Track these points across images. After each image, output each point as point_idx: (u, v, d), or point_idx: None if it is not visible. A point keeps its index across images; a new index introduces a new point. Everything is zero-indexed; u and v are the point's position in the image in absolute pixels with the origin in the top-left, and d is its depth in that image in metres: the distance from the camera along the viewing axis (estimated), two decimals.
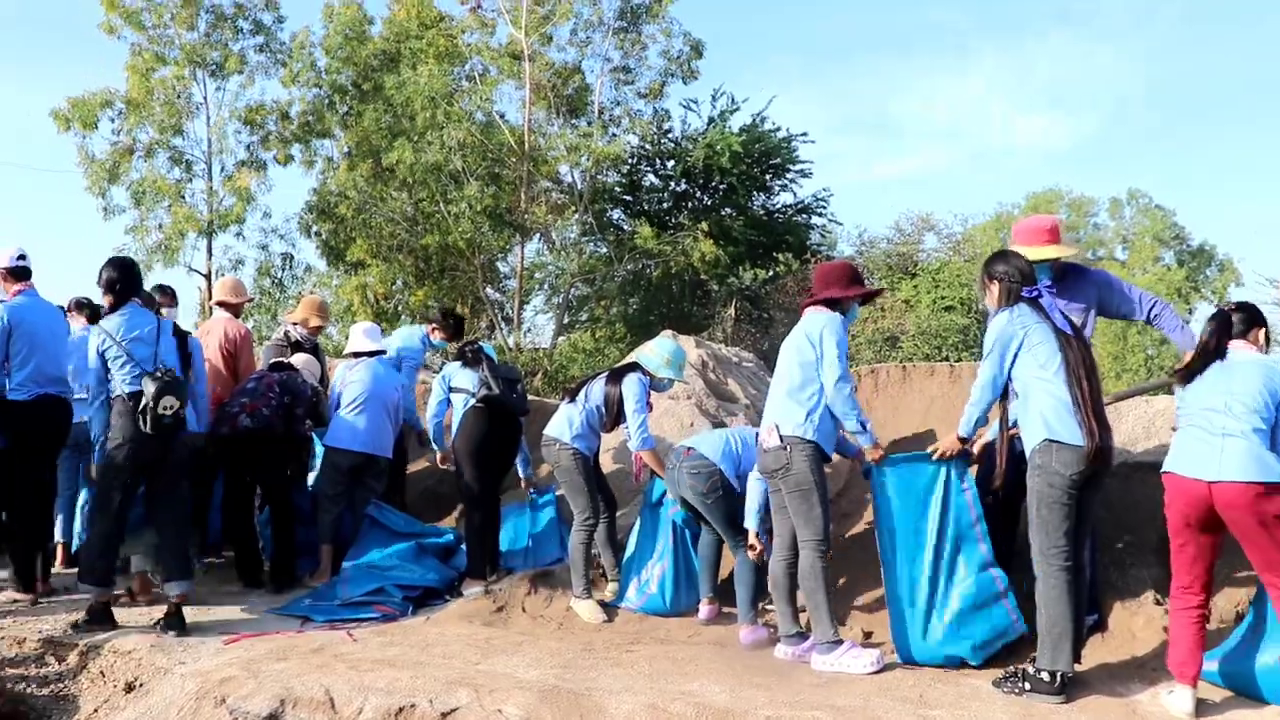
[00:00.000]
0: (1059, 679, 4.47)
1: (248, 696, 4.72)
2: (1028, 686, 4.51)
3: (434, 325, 8.28)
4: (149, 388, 5.74)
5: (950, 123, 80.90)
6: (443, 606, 6.34)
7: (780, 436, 5.16)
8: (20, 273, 6.71)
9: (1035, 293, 4.77)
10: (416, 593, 6.47)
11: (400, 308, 23.14)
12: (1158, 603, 5.09)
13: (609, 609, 6.12)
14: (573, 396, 6.40)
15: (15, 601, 6.52)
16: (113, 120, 22.00)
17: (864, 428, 5.15)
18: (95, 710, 5.15)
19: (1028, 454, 4.68)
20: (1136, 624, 5.07)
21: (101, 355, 5.93)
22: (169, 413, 5.75)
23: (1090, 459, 4.49)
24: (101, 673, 5.47)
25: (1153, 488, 5.30)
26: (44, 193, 61.79)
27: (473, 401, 6.83)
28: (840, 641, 5.06)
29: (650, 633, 5.74)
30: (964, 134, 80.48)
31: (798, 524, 5.20)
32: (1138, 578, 5.28)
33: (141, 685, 5.20)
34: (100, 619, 5.91)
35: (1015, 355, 4.71)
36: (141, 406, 5.75)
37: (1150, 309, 5.29)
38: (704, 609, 6.00)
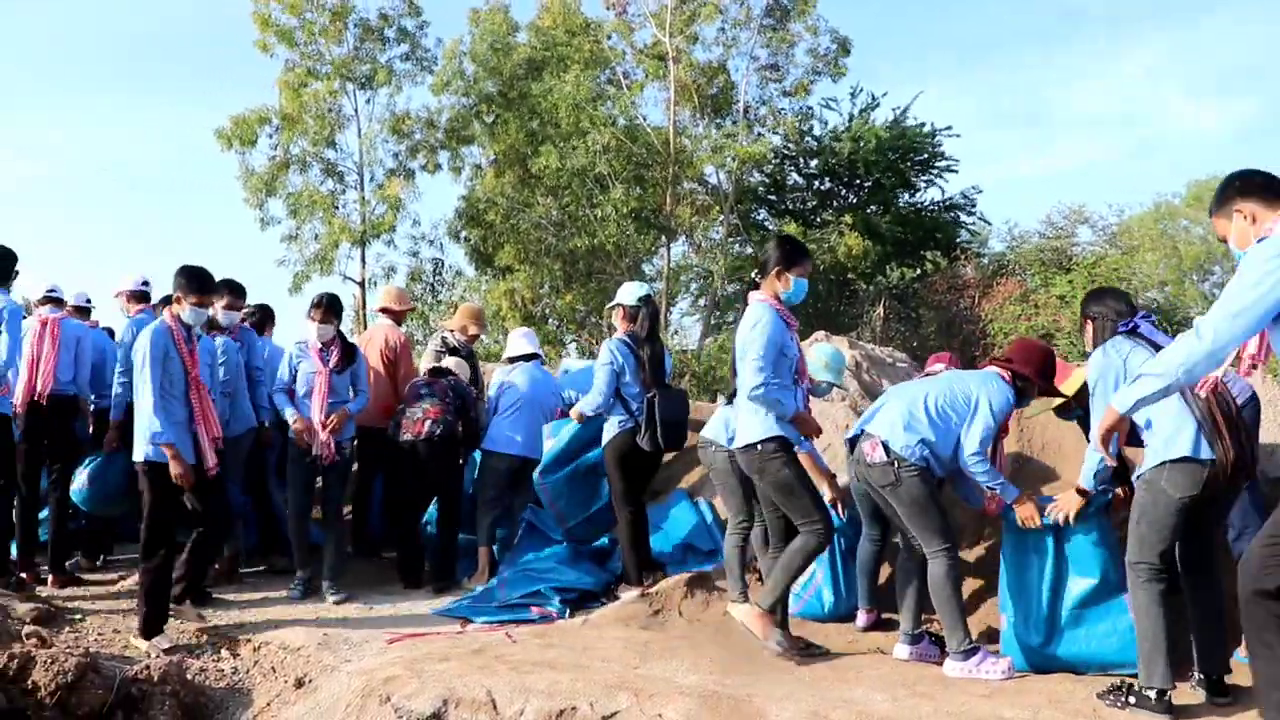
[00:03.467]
0: (1161, 696, 4.28)
1: (412, 695, 4.80)
2: (1132, 701, 4.33)
3: None
4: None
5: (1105, 114, 77.80)
6: (599, 609, 6.36)
7: (887, 451, 5.11)
8: (142, 296, 7.64)
9: (1130, 325, 4.63)
10: (573, 596, 6.51)
11: (548, 311, 23.43)
12: None
13: None
14: (731, 399, 6.33)
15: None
16: (270, 136, 22.74)
17: (1003, 488, 5.08)
18: (268, 704, 5.31)
19: (1141, 475, 4.53)
20: None
21: None
22: None
23: (1213, 479, 4.30)
24: (273, 668, 5.65)
25: None
26: (204, 208, 64.72)
27: (630, 424, 6.64)
28: (976, 649, 4.98)
29: (808, 638, 5.62)
30: (1120, 124, 77.11)
31: (920, 538, 5.14)
32: None
33: (310, 681, 5.36)
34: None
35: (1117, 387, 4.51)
36: None
37: None
38: (862, 616, 5.88)
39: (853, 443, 5.54)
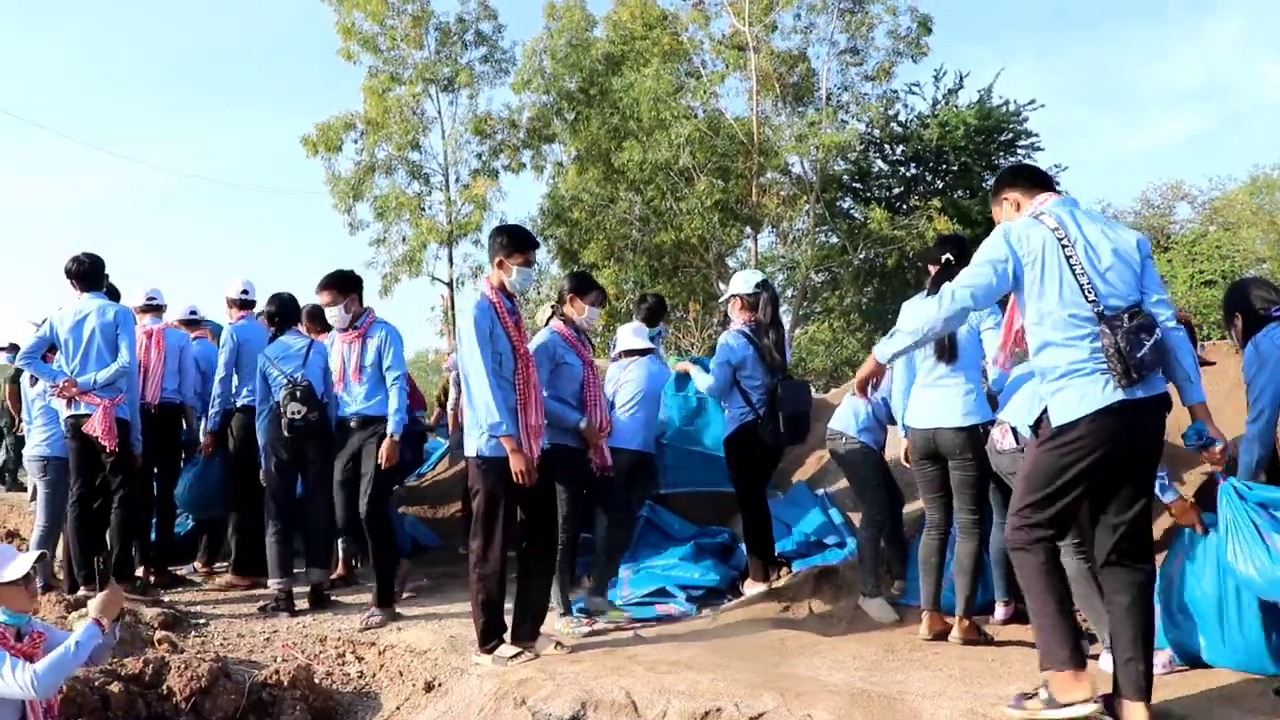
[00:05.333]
0: None
1: (548, 698, 4.69)
2: None
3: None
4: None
5: (1194, 87, 75.54)
6: (726, 606, 6.22)
7: (1017, 438, 4.92)
8: (244, 303, 7.74)
9: None
10: (699, 593, 6.37)
11: (630, 307, 23.31)
12: None
13: (899, 607, 5.83)
14: None
15: (232, 585, 7.46)
16: (355, 141, 23.03)
17: (1160, 487, 4.79)
18: (398, 708, 5.26)
19: None
20: None
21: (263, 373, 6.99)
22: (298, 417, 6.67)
23: None
24: (400, 672, 5.61)
25: None
26: (293, 214, 65.99)
27: (751, 416, 6.39)
28: None
29: (944, 632, 5.35)
30: (1211, 97, 75.03)
31: None
32: None
33: (440, 685, 5.28)
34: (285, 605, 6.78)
35: None
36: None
37: None
38: (1000, 610, 5.63)
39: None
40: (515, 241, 5.40)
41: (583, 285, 6.12)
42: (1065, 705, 3.74)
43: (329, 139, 22.50)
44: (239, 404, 7.43)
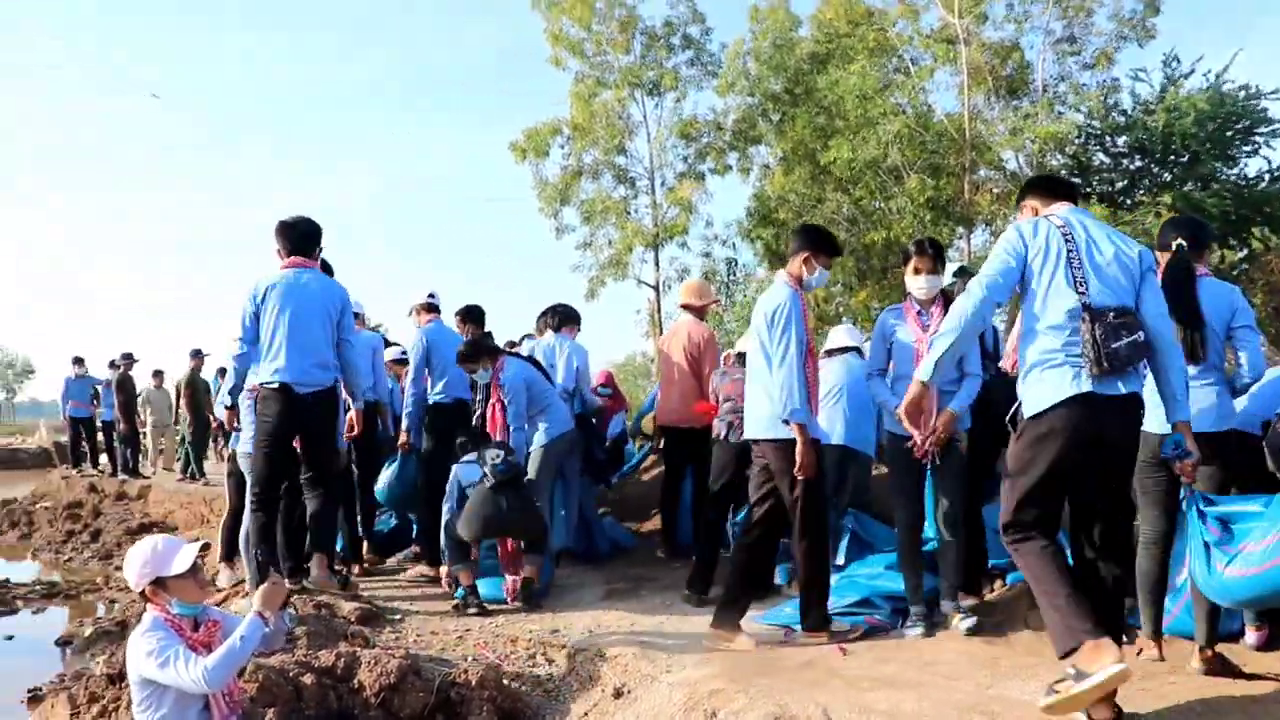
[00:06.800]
0: None
1: (740, 712, 4.46)
2: None
3: None
4: None
5: None
6: (934, 620, 5.83)
7: None
8: (431, 308, 8.23)
9: None
10: (905, 605, 5.99)
11: (841, 310, 22.84)
12: None
13: (1126, 629, 5.29)
14: None
15: (423, 575, 7.83)
16: (562, 146, 23.26)
17: None
18: (585, 714, 5.16)
19: None
20: None
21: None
22: None
23: None
24: (590, 676, 5.48)
25: None
26: (498, 220, 68.14)
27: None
28: None
29: (1186, 659, 4.81)
30: None
31: None
32: None
33: (629, 692, 5.14)
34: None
35: None
36: None
37: None
38: (1251, 634, 5.04)
39: None
40: (829, 245, 5.76)
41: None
42: (1095, 673, 3.68)
43: (536, 144, 22.82)
44: (431, 402, 7.86)
